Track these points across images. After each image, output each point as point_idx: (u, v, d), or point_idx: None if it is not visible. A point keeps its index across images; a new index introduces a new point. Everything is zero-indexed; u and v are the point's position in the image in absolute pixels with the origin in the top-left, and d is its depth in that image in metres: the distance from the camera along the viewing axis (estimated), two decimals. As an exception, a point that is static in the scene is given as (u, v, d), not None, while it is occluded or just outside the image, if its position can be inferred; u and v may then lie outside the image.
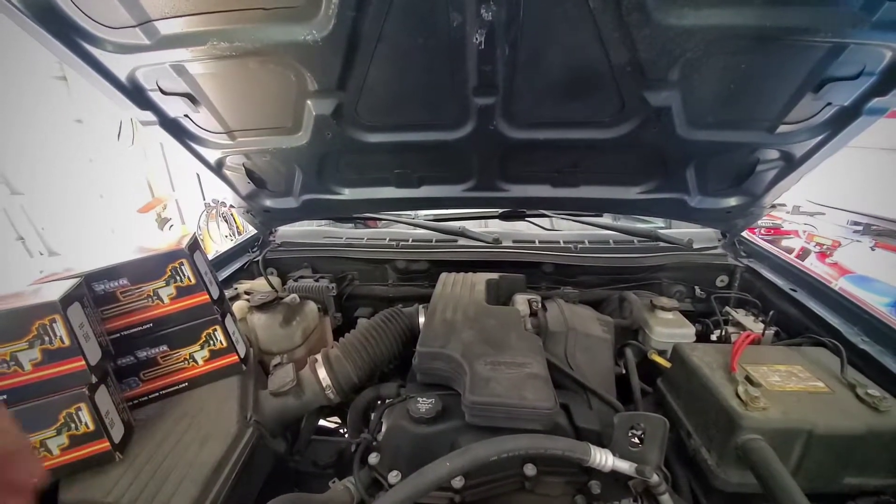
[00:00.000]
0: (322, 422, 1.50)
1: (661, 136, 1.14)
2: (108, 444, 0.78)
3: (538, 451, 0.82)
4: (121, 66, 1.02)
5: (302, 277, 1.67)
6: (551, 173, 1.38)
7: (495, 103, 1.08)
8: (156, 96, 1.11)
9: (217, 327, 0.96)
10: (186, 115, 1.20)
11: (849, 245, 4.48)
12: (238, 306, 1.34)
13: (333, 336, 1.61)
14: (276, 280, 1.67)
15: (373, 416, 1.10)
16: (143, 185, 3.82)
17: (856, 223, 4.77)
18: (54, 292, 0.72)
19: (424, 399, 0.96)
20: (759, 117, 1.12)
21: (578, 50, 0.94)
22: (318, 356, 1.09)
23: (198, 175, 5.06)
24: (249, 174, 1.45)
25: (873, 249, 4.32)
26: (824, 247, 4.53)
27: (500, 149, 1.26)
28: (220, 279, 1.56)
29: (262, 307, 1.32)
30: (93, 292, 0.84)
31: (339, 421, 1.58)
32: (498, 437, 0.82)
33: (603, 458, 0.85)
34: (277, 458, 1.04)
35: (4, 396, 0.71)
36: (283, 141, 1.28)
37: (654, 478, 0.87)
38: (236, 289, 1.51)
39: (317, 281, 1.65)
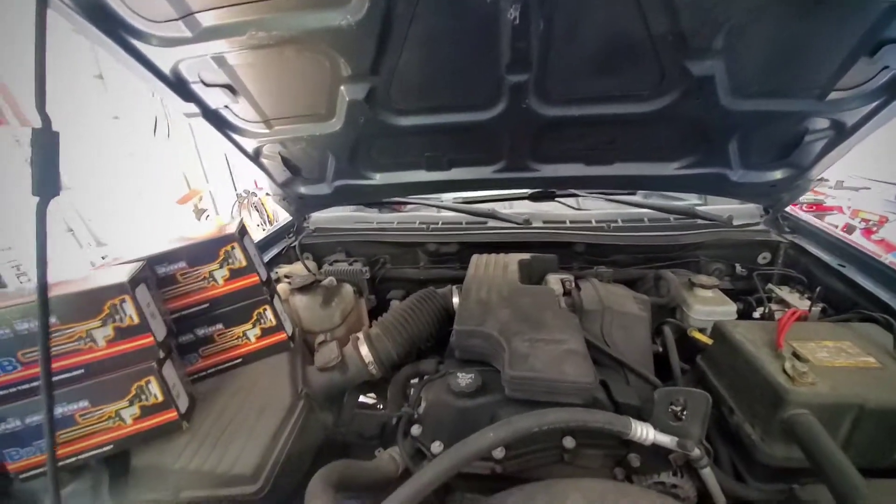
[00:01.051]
0: (362, 398, 1.57)
1: (702, 108, 1.10)
2: (175, 413, 0.85)
3: (578, 425, 0.84)
4: (165, 59, 1.06)
5: (336, 261, 1.72)
6: (585, 151, 1.36)
7: (528, 80, 1.07)
8: (198, 88, 1.16)
9: (267, 307, 1.01)
10: (227, 106, 1.24)
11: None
12: (279, 289, 1.40)
13: (369, 318, 1.66)
14: (312, 264, 1.72)
15: (412, 391, 1.14)
16: (180, 177, 3.98)
17: None
18: (123, 274, 0.78)
19: (464, 374, 0.99)
20: (808, 84, 1.07)
21: (616, 21, 0.91)
22: (360, 334, 1.13)
23: (229, 167, 5.23)
24: (285, 162, 1.49)
25: None
26: (870, 223, 4.27)
27: (532, 128, 1.25)
28: (261, 264, 1.63)
29: (303, 289, 1.37)
30: (155, 275, 0.90)
31: (376, 398, 1.65)
32: (539, 410, 0.84)
33: (644, 432, 0.86)
34: (326, 429, 1.10)
35: (83, 370, 0.78)
36: (317, 128, 1.30)
37: (696, 451, 0.88)
38: (276, 273, 1.57)
39: (351, 265, 1.69)
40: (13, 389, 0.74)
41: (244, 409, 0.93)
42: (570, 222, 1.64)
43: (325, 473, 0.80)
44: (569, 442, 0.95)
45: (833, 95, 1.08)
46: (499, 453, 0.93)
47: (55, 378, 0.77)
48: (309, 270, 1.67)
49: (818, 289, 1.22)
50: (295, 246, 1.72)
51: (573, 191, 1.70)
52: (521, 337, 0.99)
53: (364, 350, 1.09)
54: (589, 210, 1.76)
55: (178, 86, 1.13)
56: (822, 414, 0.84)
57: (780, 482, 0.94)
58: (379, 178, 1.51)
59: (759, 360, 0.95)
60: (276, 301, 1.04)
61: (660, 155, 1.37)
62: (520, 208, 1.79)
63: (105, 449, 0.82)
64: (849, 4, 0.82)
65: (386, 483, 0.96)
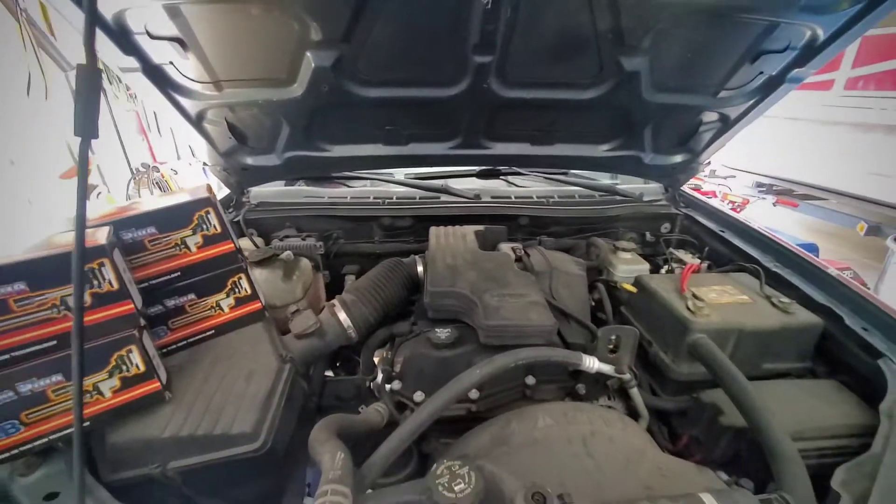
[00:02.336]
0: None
1: (629, 98, 1.31)
2: (158, 384, 0.82)
3: (545, 359, 1.00)
4: (107, 4, 0.95)
5: (287, 237, 1.68)
6: (531, 132, 1.51)
7: (491, 62, 1.17)
8: (142, 40, 1.05)
9: (242, 275, 0.99)
10: (171, 62, 1.14)
11: (755, 202, 5.30)
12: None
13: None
14: (258, 240, 1.66)
15: (386, 352, 1.21)
16: (63, 148, 3.35)
17: (760, 184, 5.62)
18: (100, 237, 0.72)
19: (442, 329, 1.09)
20: (707, 83, 1.33)
21: (571, 15, 1.06)
22: (336, 301, 1.17)
23: (119, 138, 4.52)
24: (231, 129, 1.41)
25: (775, 206, 5.16)
26: (735, 204, 5.27)
27: (489, 107, 1.36)
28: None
29: (262, 262, 1.34)
30: (121, 241, 0.84)
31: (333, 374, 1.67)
32: (512, 350, 0.98)
33: (591, 363, 1.05)
34: (306, 393, 1.13)
35: (55, 341, 0.72)
36: (274, 93, 1.26)
37: (627, 375, 1.10)
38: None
39: (304, 240, 1.67)
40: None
41: (229, 375, 0.92)
42: (515, 198, 1.81)
43: (326, 423, 0.85)
44: (530, 380, 1.11)
45: (723, 94, 1.37)
46: (474, 394, 1.06)
47: (21, 352, 0.69)
48: (257, 246, 1.61)
49: (706, 249, 1.55)
50: (239, 220, 1.63)
51: (516, 169, 1.87)
52: (491, 293, 1.12)
53: (342, 315, 1.13)
54: (530, 187, 1.95)
55: (119, 35, 1.02)
56: (714, 337, 1.11)
57: (685, 394, 1.21)
58: (334, 151, 1.51)
59: (670, 301, 1.21)
60: (250, 269, 1.03)
61: (591, 138, 1.58)
62: (469, 185, 1.91)
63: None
64: (739, 21, 1.06)
65: (374, 433, 1.03)
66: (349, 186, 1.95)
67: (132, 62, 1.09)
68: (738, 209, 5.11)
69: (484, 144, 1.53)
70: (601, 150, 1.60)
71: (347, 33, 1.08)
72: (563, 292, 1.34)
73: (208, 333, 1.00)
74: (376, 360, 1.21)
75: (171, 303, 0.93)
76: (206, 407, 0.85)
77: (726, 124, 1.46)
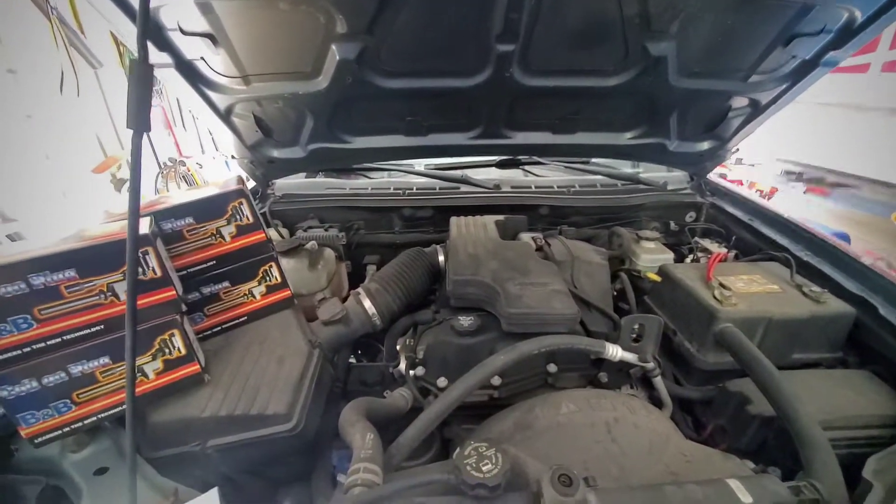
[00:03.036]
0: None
1: (655, 85, 1.29)
2: (198, 366, 0.87)
3: (568, 347, 1.01)
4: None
5: (311, 227, 1.72)
6: (553, 120, 1.50)
7: (514, 51, 1.17)
8: (175, 36, 1.08)
9: (273, 264, 1.03)
10: (203, 58, 1.18)
11: (784, 191, 5.12)
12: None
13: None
14: (283, 231, 1.70)
15: (408, 340, 1.24)
16: (94, 142, 3.48)
17: (789, 172, 5.41)
18: (143, 226, 0.76)
19: (465, 317, 1.11)
20: (736, 67, 1.30)
21: (596, 0, 1.04)
22: (360, 290, 1.20)
23: (148, 134, 4.65)
24: (258, 122, 1.45)
25: (805, 194, 4.97)
26: (763, 193, 5.10)
27: (511, 96, 1.36)
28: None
29: (288, 252, 1.38)
30: (161, 230, 0.88)
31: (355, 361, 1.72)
32: (532, 338, 0.99)
33: (614, 351, 1.05)
34: (332, 376, 1.17)
35: (102, 326, 0.77)
36: (300, 86, 1.29)
37: (651, 364, 1.10)
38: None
39: (326, 230, 1.71)
40: (28, 349, 0.70)
41: (262, 359, 0.96)
42: (535, 187, 1.80)
43: (355, 405, 0.88)
44: (552, 367, 1.13)
45: (754, 78, 1.32)
46: (496, 381, 1.08)
47: (72, 335, 0.74)
48: (282, 237, 1.66)
49: (733, 238, 1.52)
50: (265, 212, 1.68)
51: (537, 158, 1.86)
52: (513, 282, 1.13)
53: (367, 303, 1.16)
54: (550, 176, 1.93)
55: (154, 33, 1.05)
56: (742, 326, 1.09)
57: (710, 383, 1.20)
58: (356, 142, 1.53)
59: (696, 290, 1.19)
60: (279, 258, 1.06)
61: (615, 126, 1.56)
62: (488, 175, 1.91)
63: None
64: (772, 3, 1.02)
65: (399, 417, 1.07)
66: (370, 178, 1.98)
67: (165, 58, 1.13)
68: (766, 198, 4.96)
69: (505, 134, 1.53)
70: (625, 138, 1.57)
71: (371, 25, 1.09)
72: (585, 281, 1.34)
73: (241, 320, 1.05)
74: (399, 347, 1.24)
75: (207, 290, 0.98)
76: (241, 388, 0.90)
77: (756, 110, 1.42)
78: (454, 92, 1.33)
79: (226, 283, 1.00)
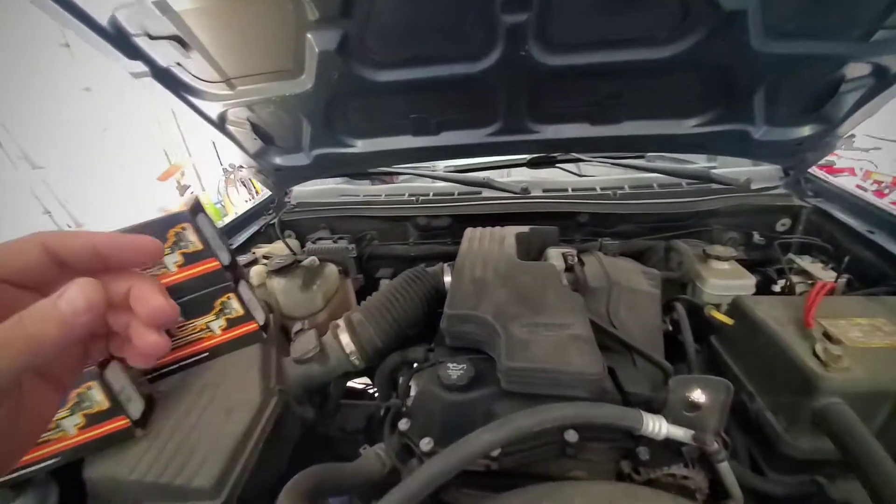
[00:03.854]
0: (351, 383, 1.48)
1: (729, 51, 0.94)
2: (126, 420, 0.75)
3: (585, 421, 0.74)
4: (100, 7, 0.89)
5: (320, 239, 1.59)
6: (590, 108, 1.20)
7: (527, 21, 0.91)
8: (143, 42, 0.99)
9: (231, 295, 0.89)
10: (179, 63, 1.07)
11: None
12: (256, 271, 1.29)
13: (357, 299, 1.55)
14: (294, 243, 1.60)
15: (401, 380, 1.05)
16: (160, 152, 3.77)
17: None
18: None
19: (455, 365, 0.89)
20: (851, 22, 0.91)
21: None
22: (341, 321, 1.02)
23: (213, 140, 4.99)
24: (255, 129, 1.34)
25: None
26: (883, 185, 4.13)
27: (532, 80, 1.09)
28: (236, 244, 1.51)
29: (280, 271, 1.26)
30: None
31: (370, 381, 1.57)
32: (540, 405, 0.75)
33: (656, 426, 0.77)
34: (306, 424, 1.01)
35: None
36: (285, 87, 1.14)
37: (714, 446, 0.79)
38: (254, 253, 1.45)
39: (335, 242, 1.57)
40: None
41: (209, 409, 0.83)
42: (573, 190, 1.50)
43: (298, 482, 0.71)
44: (571, 436, 0.85)
45: (879, 35, 0.92)
46: (494, 451, 0.84)
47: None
48: (291, 250, 1.55)
49: (846, 259, 1.11)
50: (274, 223, 1.59)
51: (576, 155, 1.54)
52: (520, 321, 0.88)
53: (345, 338, 0.99)
54: (593, 176, 1.61)
55: (120, 40, 0.96)
56: (856, 403, 0.74)
57: (802, 473, 0.86)
58: (360, 146, 1.36)
59: (786, 341, 0.85)
60: (242, 287, 0.92)
61: (674, 111, 1.21)
62: (517, 176, 1.65)
63: (51, 461, 0.73)
64: None
65: (371, 483, 0.88)
66: (386, 182, 1.81)
67: (141, 66, 1.04)
68: (887, 191, 3.98)
69: (530, 128, 1.26)
70: (689, 126, 1.22)
71: (346, 6, 0.90)
72: (626, 316, 1.04)
73: (202, 356, 0.93)
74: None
75: (157, 325, 0.87)
76: (178, 447, 0.77)
77: (882, 80, 1.00)
78: (461, 80, 1.10)
79: (179, 318, 0.88)
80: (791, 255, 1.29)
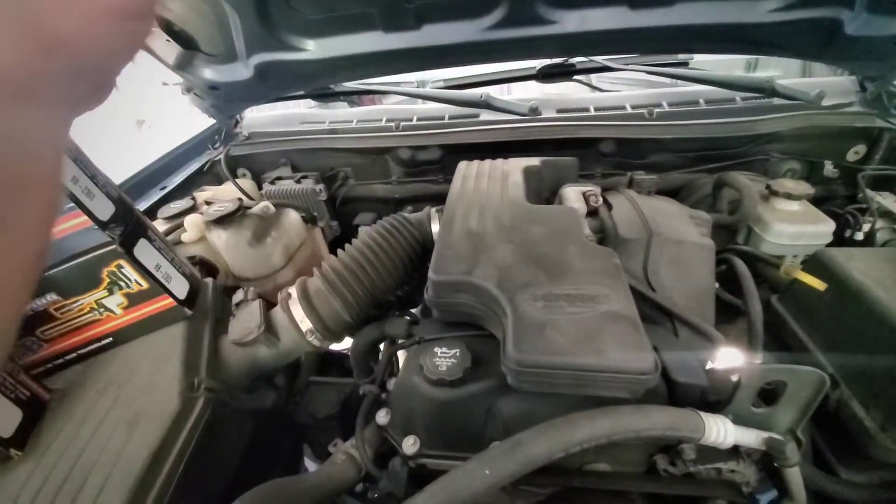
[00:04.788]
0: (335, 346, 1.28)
1: None
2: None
3: (626, 436, 0.53)
4: None
5: (280, 179, 1.29)
6: (632, -16, 0.84)
7: None
8: None
9: (122, 262, 0.63)
10: None
11: None
12: (191, 221, 1.00)
13: (331, 251, 1.29)
14: (248, 183, 1.30)
15: (381, 358, 0.83)
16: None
17: None
18: None
19: (444, 350, 0.65)
20: None
21: None
22: (293, 289, 0.77)
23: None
24: (167, 28, 0.97)
25: None
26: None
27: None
28: (170, 186, 1.21)
29: (221, 221, 0.98)
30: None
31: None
32: (562, 419, 0.53)
33: (721, 433, 0.57)
34: (263, 414, 0.81)
35: None
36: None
37: (790, 455, 0.59)
38: (194, 199, 1.15)
39: (299, 182, 1.27)
40: None
41: (110, 418, 0.61)
42: (595, 110, 1.18)
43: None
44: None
45: None
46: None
47: None
48: (245, 193, 1.25)
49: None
50: (219, 160, 1.27)
51: (602, 61, 1.19)
52: (533, 292, 0.64)
53: (298, 312, 0.74)
54: (621, 91, 1.27)
55: None
56: None
57: (881, 470, 0.68)
58: (314, 48, 1.01)
59: (899, 314, 0.61)
60: (142, 249, 0.66)
61: (748, -12, 0.86)
62: (524, 93, 1.30)
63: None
64: None
65: (343, 491, 0.70)
66: (368, 106, 1.46)
67: None
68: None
69: (544, 16, 0.90)
70: (765, 11, 0.87)
71: None
72: (669, 274, 0.79)
73: (105, 342, 0.69)
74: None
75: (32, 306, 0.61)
76: (68, 472, 0.56)
77: None
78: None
79: (53, 296, 0.62)
80: (869, 192, 1.02)
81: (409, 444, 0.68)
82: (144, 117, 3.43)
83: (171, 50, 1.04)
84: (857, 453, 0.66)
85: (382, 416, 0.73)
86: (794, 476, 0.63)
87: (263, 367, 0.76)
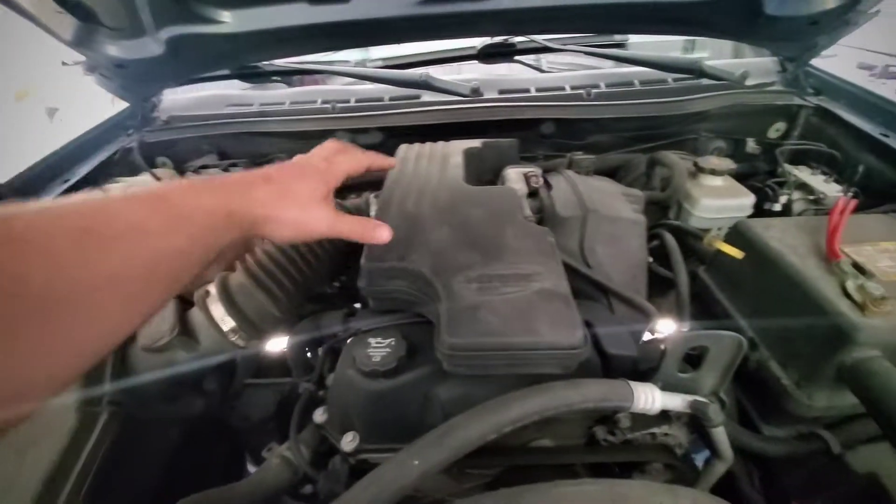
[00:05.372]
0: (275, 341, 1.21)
1: None
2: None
3: (559, 411, 0.53)
4: None
5: (205, 167, 1.19)
6: (562, -42, 0.83)
7: None
8: None
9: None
10: None
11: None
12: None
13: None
14: (167, 173, 1.18)
15: (320, 355, 0.78)
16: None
17: (867, 66, 4.22)
18: None
19: (379, 341, 0.62)
20: None
21: None
22: (212, 286, 0.70)
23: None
24: (55, -5, 0.85)
25: None
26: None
27: None
28: (76, 176, 1.08)
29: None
30: None
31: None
32: (494, 401, 0.51)
33: (649, 400, 0.58)
34: (190, 420, 0.75)
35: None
36: None
37: (714, 415, 0.62)
38: (106, 191, 1.03)
39: (227, 170, 1.17)
40: None
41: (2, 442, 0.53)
42: (537, 90, 1.17)
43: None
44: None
45: None
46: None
47: None
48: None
49: (860, 168, 0.91)
50: (132, 147, 1.14)
51: (542, 41, 1.18)
52: (467, 274, 0.62)
53: (217, 311, 0.68)
54: (560, 72, 1.27)
55: None
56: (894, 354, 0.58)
57: (799, 424, 0.73)
58: (231, 21, 0.92)
59: (809, 277, 0.65)
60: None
61: (675, -34, 0.87)
62: (466, 74, 1.27)
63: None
64: None
65: (278, 494, 0.66)
66: (304, 87, 1.37)
67: None
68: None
69: (477, -9, 0.88)
70: (689, -9, 0.90)
71: None
72: (604, 251, 0.81)
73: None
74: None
75: None
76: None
77: None
78: None
79: None
80: (786, 166, 1.09)
81: (348, 441, 0.65)
82: (57, 105, 3.06)
83: (67, 23, 0.91)
84: (776, 410, 0.70)
85: (319, 415, 0.70)
86: (720, 435, 0.66)
87: (183, 373, 0.69)
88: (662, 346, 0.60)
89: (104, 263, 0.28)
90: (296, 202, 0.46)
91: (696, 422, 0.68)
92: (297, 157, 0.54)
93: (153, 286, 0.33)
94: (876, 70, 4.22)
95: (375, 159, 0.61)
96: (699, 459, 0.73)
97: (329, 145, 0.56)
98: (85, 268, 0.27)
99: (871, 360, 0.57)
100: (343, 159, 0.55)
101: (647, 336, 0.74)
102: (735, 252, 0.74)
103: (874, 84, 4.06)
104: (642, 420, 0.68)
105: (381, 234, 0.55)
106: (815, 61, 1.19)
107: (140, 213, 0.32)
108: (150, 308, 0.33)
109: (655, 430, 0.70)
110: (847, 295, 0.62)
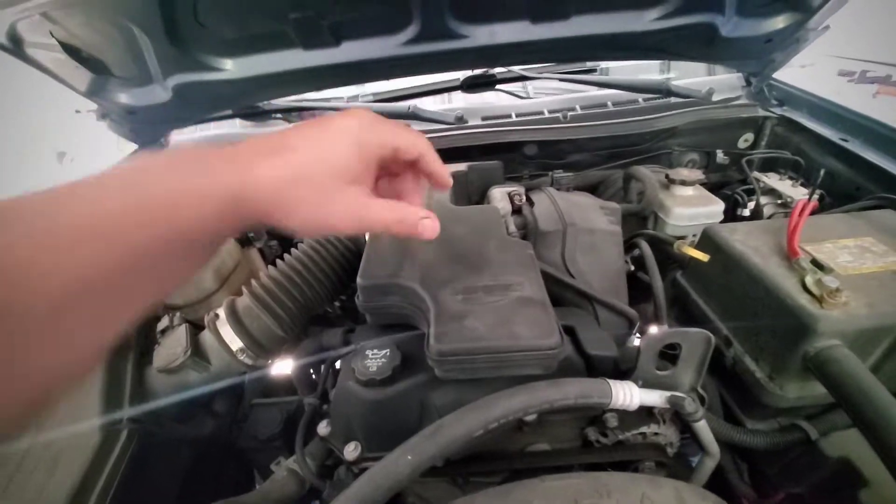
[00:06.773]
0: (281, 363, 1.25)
1: None
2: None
3: (543, 408, 0.57)
4: None
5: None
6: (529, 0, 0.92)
7: None
8: None
9: None
10: None
11: (846, 95, 4.15)
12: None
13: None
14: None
15: (322, 371, 0.83)
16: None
17: (847, 72, 4.38)
18: None
19: (375, 352, 0.67)
20: None
21: None
22: (220, 310, 0.76)
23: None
24: (70, 51, 0.94)
25: (875, 97, 4.01)
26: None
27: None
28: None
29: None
30: None
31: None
32: (481, 400, 0.56)
33: (627, 396, 0.62)
34: (201, 440, 0.79)
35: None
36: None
37: (690, 407, 0.66)
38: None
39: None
40: None
41: (30, 457, 0.57)
42: (517, 116, 1.25)
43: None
44: (528, 416, 0.70)
45: None
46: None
47: None
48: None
49: (822, 172, 0.97)
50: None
51: (520, 71, 1.28)
52: (454, 287, 0.67)
53: (227, 332, 0.73)
54: (538, 98, 1.36)
55: None
56: (856, 343, 0.62)
57: (779, 417, 0.77)
58: (232, 68, 1.01)
59: (771, 275, 0.70)
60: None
61: (631, 1, 0.96)
62: (451, 104, 1.37)
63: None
64: None
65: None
66: (291, 121, 1.46)
67: None
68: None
69: (455, 31, 0.96)
70: (649, 20, 0.98)
71: None
72: (584, 260, 0.87)
73: None
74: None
75: None
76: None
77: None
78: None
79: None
80: (756, 174, 1.15)
81: (351, 450, 0.69)
82: (65, 149, 3.20)
83: (83, 76, 1.01)
84: (755, 403, 0.74)
85: (323, 427, 0.74)
86: (704, 431, 0.70)
87: (196, 394, 0.74)
88: (637, 345, 0.65)
89: (69, 269, 0.24)
90: (313, 187, 0.33)
91: (683, 420, 0.72)
92: (329, 116, 0.38)
93: (132, 288, 0.28)
94: (854, 76, 4.37)
95: (432, 154, 0.45)
96: (696, 461, 0.77)
97: (368, 111, 0.40)
98: (44, 278, 0.23)
99: (831, 349, 0.61)
100: (393, 129, 0.40)
101: (635, 338, 0.79)
102: (701, 255, 0.80)
103: (854, 89, 4.21)
104: (630, 420, 0.72)
105: (427, 227, 0.42)
106: (791, 72, 1.27)
107: (108, 203, 0.26)
108: (130, 313, 0.28)
109: (645, 429, 0.74)
110: (806, 289, 0.67)
